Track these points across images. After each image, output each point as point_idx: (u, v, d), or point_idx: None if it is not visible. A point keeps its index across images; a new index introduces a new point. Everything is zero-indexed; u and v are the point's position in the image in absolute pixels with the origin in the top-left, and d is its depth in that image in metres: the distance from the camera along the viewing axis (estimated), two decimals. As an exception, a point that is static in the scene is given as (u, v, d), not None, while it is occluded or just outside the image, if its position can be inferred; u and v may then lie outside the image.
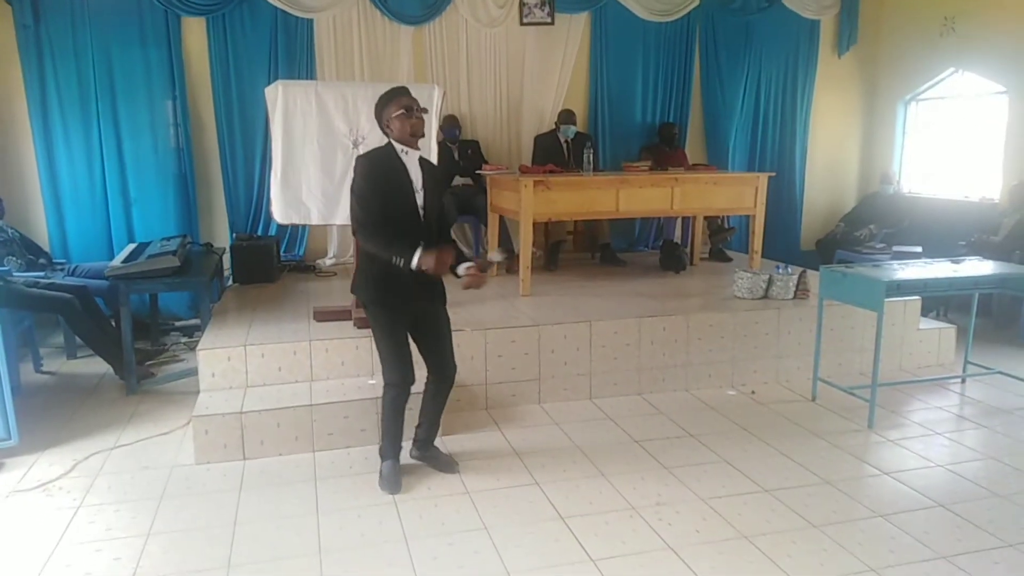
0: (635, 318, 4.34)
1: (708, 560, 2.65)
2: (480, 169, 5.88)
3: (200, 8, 5.64)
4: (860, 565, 2.63)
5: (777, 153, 7.23)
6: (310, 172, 4.20)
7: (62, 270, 5.01)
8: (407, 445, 3.43)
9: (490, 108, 6.48)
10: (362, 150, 3.72)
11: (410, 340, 3.21)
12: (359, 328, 4.02)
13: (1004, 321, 5.66)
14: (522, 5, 6.35)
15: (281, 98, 4.17)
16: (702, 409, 4.14)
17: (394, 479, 3.18)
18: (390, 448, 3.23)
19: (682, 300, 4.86)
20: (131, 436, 3.73)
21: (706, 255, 6.36)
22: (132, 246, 5.03)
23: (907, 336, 4.81)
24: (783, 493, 3.15)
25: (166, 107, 5.77)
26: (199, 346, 3.90)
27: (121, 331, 4.31)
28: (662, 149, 6.57)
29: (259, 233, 5.96)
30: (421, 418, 3.37)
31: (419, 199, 3.05)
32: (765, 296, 4.77)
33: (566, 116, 6.15)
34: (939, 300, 5.71)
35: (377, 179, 2.98)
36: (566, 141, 6.14)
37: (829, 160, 7.52)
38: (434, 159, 4.06)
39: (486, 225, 5.72)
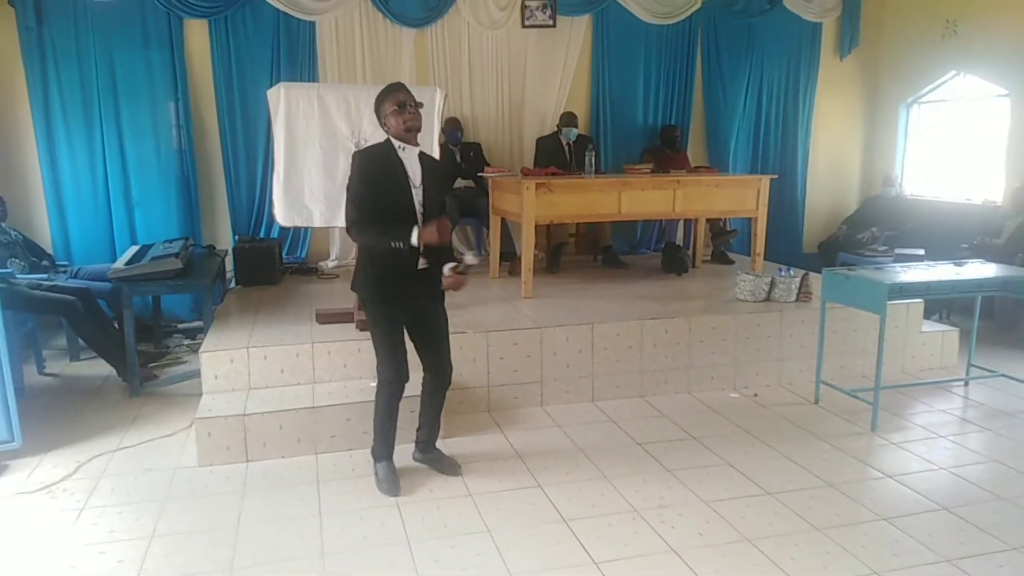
0: (637, 320, 4.34)
1: (711, 563, 2.65)
2: (482, 171, 5.89)
3: (202, 10, 5.65)
4: (863, 568, 2.62)
5: (779, 156, 7.24)
6: (312, 174, 4.21)
7: (65, 272, 5.02)
8: (407, 448, 3.44)
9: (492, 110, 6.49)
10: (364, 152, 3.72)
11: (407, 339, 3.21)
12: (361, 330, 4.02)
13: (1007, 324, 5.65)
14: (524, 7, 6.36)
15: (283, 100, 4.18)
16: (704, 411, 4.14)
17: (392, 480, 3.18)
18: (383, 448, 3.23)
19: (684, 302, 4.86)
20: (134, 438, 3.73)
21: (708, 258, 6.36)
22: (135, 248, 5.04)
23: (910, 339, 4.80)
24: (786, 496, 3.14)
25: (168, 109, 5.78)
26: (202, 348, 3.90)
27: (124, 333, 4.32)
28: (664, 151, 6.57)
29: (261, 235, 5.96)
30: (421, 419, 3.37)
31: (417, 196, 3.04)
32: (767, 299, 4.77)
33: (568, 118, 6.15)
34: (942, 303, 5.71)
35: (372, 176, 2.98)
36: (568, 143, 6.14)
37: (831, 163, 7.52)
38: (436, 161, 4.05)
39: (488, 227, 5.72)
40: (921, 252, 6.11)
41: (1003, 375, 4.52)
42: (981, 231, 5.95)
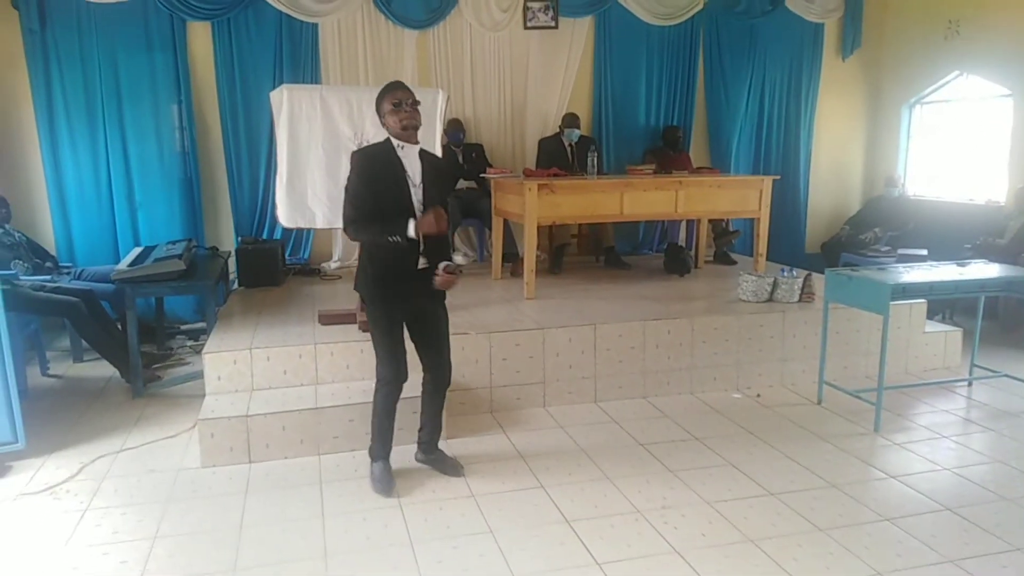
0: (639, 321, 4.34)
1: (714, 564, 2.65)
2: (484, 173, 5.89)
3: (205, 13, 5.67)
4: (867, 569, 2.62)
5: (781, 156, 7.23)
6: (315, 176, 4.22)
7: (68, 274, 5.03)
8: (410, 448, 3.44)
9: (494, 112, 6.49)
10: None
11: (408, 338, 3.22)
12: (364, 331, 4.02)
13: (1010, 324, 5.64)
14: (526, 9, 6.37)
15: (286, 102, 4.19)
16: (707, 412, 4.14)
17: (387, 480, 3.18)
18: (380, 448, 3.23)
19: (687, 303, 4.86)
20: (137, 439, 3.74)
21: (710, 258, 6.37)
22: (138, 250, 5.05)
23: (913, 339, 4.80)
24: (789, 497, 3.14)
25: (171, 111, 5.79)
26: (205, 349, 3.91)
27: (127, 335, 4.33)
28: (666, 152, 6.57)
29: (264, 237, 5.97)
30: (422, 420, 3.38)
31: (417, 194, 3.03)
32: (770, 299, 4.76)
33: (570, 119, 6.16)
34: (945, 303, 5.70)
35: (369, 174, 2.98)
36: (570, 144, 6.15)
37: (834, 163, 7.52)
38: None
39: (490, 229, 5.73)
40: (924, 252, 6.11)
41: (1006, 375, 4.51)
42: (984, 231, 5.95)
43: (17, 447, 3.40)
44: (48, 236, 5.58)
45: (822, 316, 4.25)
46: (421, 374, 3.30)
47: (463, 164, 6.13)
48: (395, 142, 3.04)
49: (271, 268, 5.44)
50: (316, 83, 5.87)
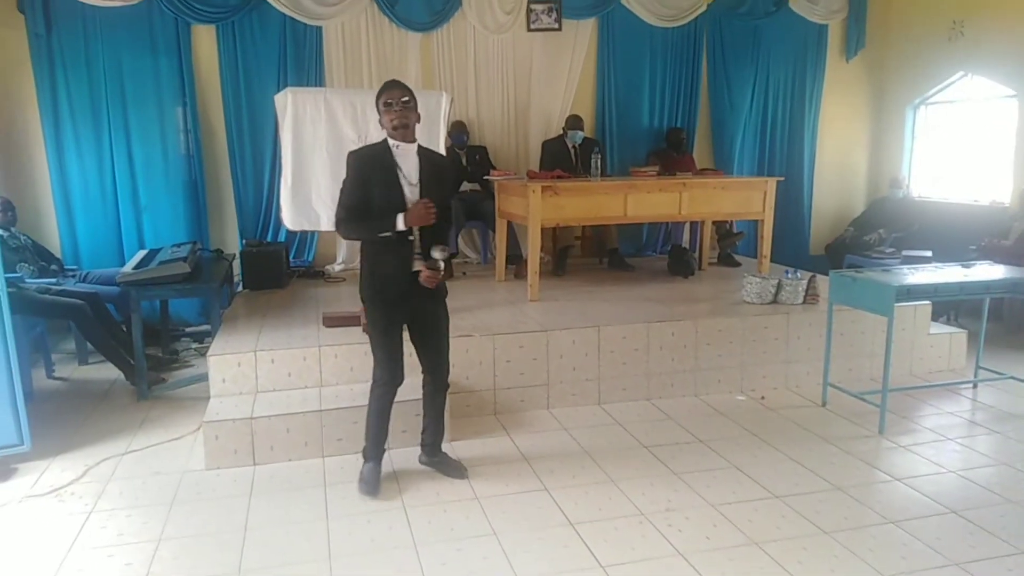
0: (644, 323, 4.33)
1: (718, 567, 2.64)
2: (488, 175, 5.90)
3: (210, 16, 5.69)
4: (872, 572, 2.61)
5: (785, 158, 7.22)
6: (319, 179, 4.23)
7: (73, 276, 5.06)
8: (414, 451, 3.45)
9: (498, 114, 6.50)
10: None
11: (409, 339, 3.22)
12: (367, 333, 4.02)
13: (1015, 326, 5.63)
14: (529, 11, 6.37)
15: (290, 105, 4.21)
16: (711, 414, 4.13)
17: (373, 482, 3.18)
18: (372, 449, 3.23)
19: (691, 305, 4.86)
20: (142, 441, 3.75)
21: (714, 260, 6.35)
22: (143, 252, 5.06)
23: (918, 341, 4.78)
24: (793, 499, 3.13)
25: (176, 114, 5.81)
26: (209, 352, 3.91)
27: (132, 337, 4.34)
28: (670, 154, 6.57)
29: (268, 239, 5.99)
30: (425, 422, 3.38)
31: (413, 193, 3.01)
32: (774, 301, 4.75)
33: (573, 121, 6.16)
34: (950, 305, 5.68)
35: (362, 175, 2.99)
36: (574, 146, 6.15)
37: (838, 164, 7.50)
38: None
39: (494, 231, 5.73)
40: (928, 254, 6.09)
41: (1012, 377, 4.49)
42: (989, 232, 5.93)
43: (22, 449, 3.41)
44: (53, 239, 5.60)
45: (826, 318, 4.24)
46: (421, 376, 3.30)
47: (467, 166, 6.14)
48: (391, 142, 3.03)
49: (275, 270, 5.46)
50: (320, 86, 5.88)
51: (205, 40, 5.81)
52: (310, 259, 6.21)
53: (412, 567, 2.66)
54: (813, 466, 3.45)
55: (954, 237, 6.17)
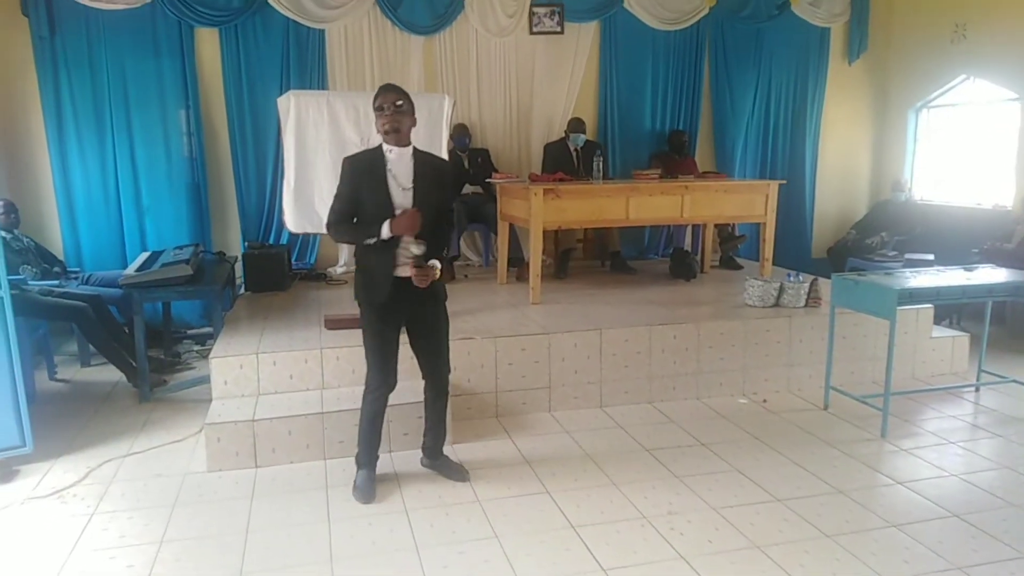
0: (645, 326, 4.33)
1: (720, 570, 2.64)
2: (490, 177, 5.90)
3: (213, 19, 5.70)
4: (874, 575, 2.61)
5: (787, 161, 7.22)
6: (322, 181, 4.23)
7: (76, 279, 5.07)
8: (415, 454, 3.45)
9: (500, 117, 6.51)
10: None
11: (409, 344, 3.22)
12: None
13: (1018, 329, 5.62)
14: (532, 14, 6.38)
15: (293, 108, 4.21)
16: (713, 418, 4.13)
17: (367, 489, 3.17)
18: (365, 456, 3.22)
19: (693, 308, 4.85)
20: (144, 444, 3.76)
21: (716, 263, 6.35)
22: (145, 255, 5.07)
23: (920, 344, 4.78)
24: (795, 503, 3.13)
25: (179, 117, 5.83)
26: (211, 354, 3.92)
27: (134, 339, 4.35)
28: (672, 157, 6.57)
29: (271, 241, 5.99)
30: (426, 425, 3.38)
31: (405, 197, 2.98)
32: (776, 304, 4.75)
33: (575, 124, 6.17)
34: (952, 308, 5.68)
35: (354, 180, 3.00)
36: (576, 149, 6.15)
37: (840, 167, 7.50)
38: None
39: (496, 233, 5.74)
40: (931, 257, 6.08)
41: (1014, 381, 4.48)
42: (991, 236, 5.92)
43: (25, 451, 3.41)
44: (56, 241, 5.62)
45: (828, 321, 4.24)
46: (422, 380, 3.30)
47: (469, 169, 6.14)
48: (385, 147, 3.02)
49: (277, 273, 5.46)
50: (323, 89, 5.90)
51: (208, 43, 5.82)
52: (312, 261, 6.22)
53: (413, 570, 2.65)
54: (815, 469, 3.45)
55: (957, 240, 6.17)
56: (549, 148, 6.27)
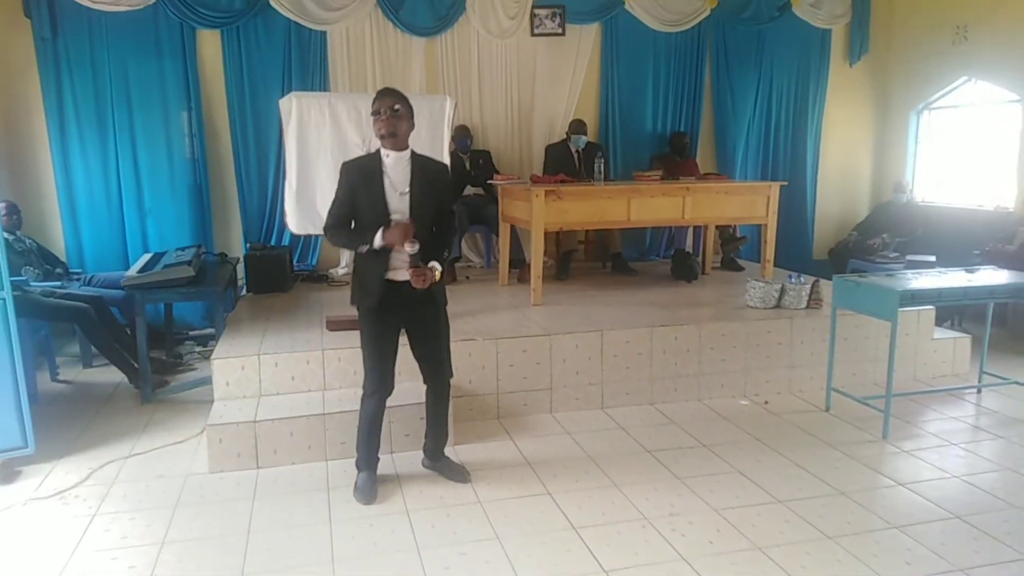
0: (647, 327, 4.33)
1: (722, 571, 2.64)
2: (491, 179, 5.91)
3: (215, 21, 5.71)
4: (875, 577, 2.61)
5: (789, 162, 7.22)
6: (324, 183, 4.23)
7: (78, 280, 5.07)
8: (417, 455, 3.45)
9: (501, 118, 6.52)
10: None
11: (410, 347, 3.22)
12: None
13: (1020, 331, 5.61)
14: (533, 16, 6.39)
15: (295, 109, 4.22)
16: (714, 419, 4.13)
17: (368, 490, 3.17)
18: (365, 459, 3.22)
19: (694, 309, 4.85)
20: (146, 445, 3.76)
21: (718, 264, 6.35)
22: (147, 256, 5.08)
23: (921, 346, 4.78)
24: (797, 504, 3.13)
25: (181, 118, 5.83)
26: (213, 355, 3.92)
27: (136, 340, 4.35)
28: (673, 158, 6.57)
29: (272, 243, 6.00)
30: (427, 427, 3.38)
31: (402, 202, 2.97)
32: (777, 305, 4.75)
33: (577, 126, 6.18)
34: (954, 310, 5.68)
35: (350, 184, 3.00)
36: (577, 151, 6.16)
37: (841, 169, 7.50)
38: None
39: (497, 235, 5.74)
40: (932, 259, 6.08)
41: (1016, 382, 4.48)
42: (993, 237, 5.92)
43: (27, 452, 3.42)
44: (58, 242, 5.62)
45: (830, 322, 4.24)
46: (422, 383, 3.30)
47: (470, 170, 6.15)
48: (382, 151, 3.02)
49: (279, 274, 5.47)
50: (325, 90, 5.90)
51: (210, 45, 5.83)
52: (314, 263, 6.23)
53: (415, 571, 2.66)
54: (817, 471, 3.45)
55: (958, 242, 6.16)
56: (550, 150, 6.28)
